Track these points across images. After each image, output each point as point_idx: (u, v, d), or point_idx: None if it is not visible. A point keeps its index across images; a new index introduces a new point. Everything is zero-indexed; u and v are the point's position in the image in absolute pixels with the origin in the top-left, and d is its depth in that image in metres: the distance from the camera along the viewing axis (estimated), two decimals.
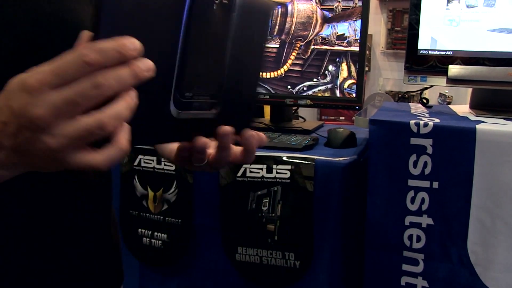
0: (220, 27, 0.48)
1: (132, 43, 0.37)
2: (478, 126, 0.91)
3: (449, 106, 1.34)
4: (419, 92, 1.37)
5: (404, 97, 2.93)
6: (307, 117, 1.62)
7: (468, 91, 1.26)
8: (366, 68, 3.92)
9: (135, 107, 0.39)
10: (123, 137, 0.39)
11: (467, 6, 1.16)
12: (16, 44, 0.55)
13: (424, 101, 1.30)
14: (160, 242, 1.20)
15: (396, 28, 3.89)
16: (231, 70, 0.51)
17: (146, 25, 0.41)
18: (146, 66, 0.39)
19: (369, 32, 1.41)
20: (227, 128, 0.52)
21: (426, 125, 0.94)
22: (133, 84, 0.38)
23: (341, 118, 3.73)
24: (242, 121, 0.55)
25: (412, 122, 0.95)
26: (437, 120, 0.97)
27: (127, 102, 0.38)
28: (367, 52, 3.89)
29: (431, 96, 3.65)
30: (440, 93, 3.60)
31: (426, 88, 1.30)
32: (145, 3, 0.41)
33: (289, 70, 1.37)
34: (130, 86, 0.38)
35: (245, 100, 0.55)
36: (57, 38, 0.57)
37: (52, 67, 0.36)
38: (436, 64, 1.16)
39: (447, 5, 1.17)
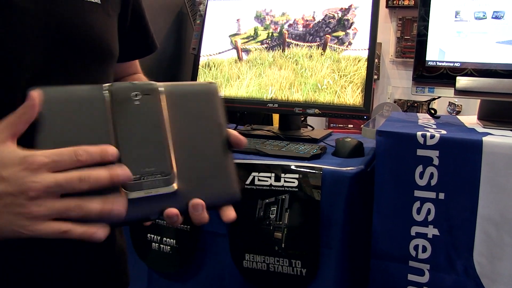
0: (152, 114, 0.55)
1: (112, 150, 0.49)
2: (484, 138, 0.92)
3: (457, 116, 1.35)
4: (428, 101, 1.38)
5: (413, 106, 2.94)
6: (316, 124, 1.63)
7: (477, 101, 1.27)
8: (375, 77, 3.92)
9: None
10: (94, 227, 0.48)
11: (476, 18, 1.17)
12: (43, 54, 0.60)
13: (432, 111, 1.31)
14: (168, 247, 1.21)
15: (405, 37, 3.89)
16: (182, 148, 0.56)
17: (78, 130, 0.52)
18: (123, 172, 0.48)
19: (378, 41, 1.42)
20: (194, 202, 0.54)
21: (432, 136, 0.95)
22: (109, 185, 0.48)
23: (349, 126, 3.73)
24: (220, 191, 0.57)
25: (419, 133, 0.96)
26: (443, 131, 0.98)
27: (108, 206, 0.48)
28: (376, 60, 3.90)
29: (441, 105, 3.65)
30: (449, 102, 3.60)
31: (435, 98, 1.31)
32: (71, 115, 0.52)
33: None
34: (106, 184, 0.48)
35: (214, 173, 0.57)
36: (82, 47, 0.64)
37: (51, 154, 0.47)
38: (444, 75, 1.17)
39: (456, 17, 1.18)
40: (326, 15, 1.40)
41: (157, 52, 1.50)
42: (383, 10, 3.84)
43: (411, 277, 1.00)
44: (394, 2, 3.81)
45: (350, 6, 1.38)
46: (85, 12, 0.65)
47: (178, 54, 1.63)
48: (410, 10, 3.80)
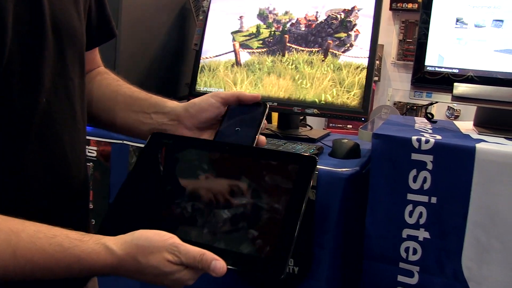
0: None
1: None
2: (478, 145, 0.94)
3: (454, 122, 1.36)
4: (426, 105, 1.39)
5: (412, 109, 2.96)
6: (315, 123, 1.65)
7: (475, 107, 1.28)
8: (376, 78, 3.94)
9: None
10: None
11: (475, 26, 1.18)
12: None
13: (429, 116, 1.32)
14: None
15: (407, 40, 3.90)
16: None
17: None
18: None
19: (380, 42, 1.43)
20: None
21: (427, 141, 0.96)
22: None
23: (348, 126, 3.75)
24: None
25: (414, 138, 0.97)
26: (438, 137, 0.99)
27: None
28: (378, 62, 3.91)
29: (440, 109, 3.66)
30: (448, 106, 3.62)
31: (433, 103, 1.32)
32: None
33: None
34: None
35: None
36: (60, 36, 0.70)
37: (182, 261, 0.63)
38: (442, 81, 1.18)
39: (456, 23, 1.19)
40: (328, 16, 1.41)
41: (159, 47, 1.52)
42: (386, 12, 3.84)
43: (400, 278, 1.01)
44: (398, 4, 3.82)
45: (353, 8, 1.39)
46: (62, 3, 0.71)
47: (181, 50, 1.64)
48: (413, 14, 3.80)
